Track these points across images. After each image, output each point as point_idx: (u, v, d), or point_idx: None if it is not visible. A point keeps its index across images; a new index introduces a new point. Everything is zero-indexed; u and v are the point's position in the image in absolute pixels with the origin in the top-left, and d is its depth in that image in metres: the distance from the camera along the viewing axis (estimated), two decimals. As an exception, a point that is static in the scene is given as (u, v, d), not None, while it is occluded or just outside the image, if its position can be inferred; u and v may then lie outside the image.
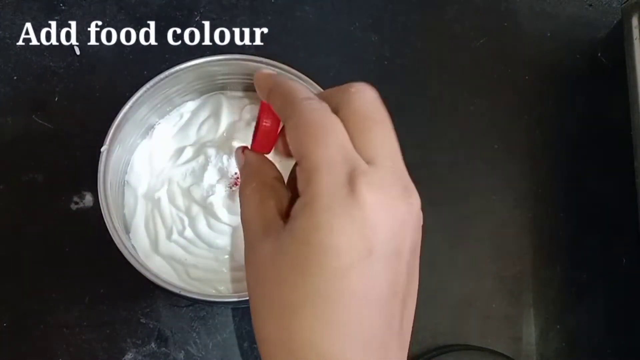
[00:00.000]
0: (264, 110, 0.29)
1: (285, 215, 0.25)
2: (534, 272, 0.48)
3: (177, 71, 0.39)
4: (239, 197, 0.27)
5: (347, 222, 0.21)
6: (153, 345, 0.43)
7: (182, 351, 0.43)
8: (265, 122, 0.29)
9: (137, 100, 0.38)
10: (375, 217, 0.22)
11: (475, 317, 0.46)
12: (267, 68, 0.39)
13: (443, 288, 0.47)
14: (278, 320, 0.22)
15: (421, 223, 0.24)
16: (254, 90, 0.43)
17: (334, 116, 0.24)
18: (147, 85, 0.38)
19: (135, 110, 0.39)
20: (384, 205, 0.22)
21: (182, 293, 0.35)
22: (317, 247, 0.21)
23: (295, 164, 0.24)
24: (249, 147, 0.30)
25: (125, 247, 0.36)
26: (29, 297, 0.43)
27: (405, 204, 0.23)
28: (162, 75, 0.38)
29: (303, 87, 0.26)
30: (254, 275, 0.24)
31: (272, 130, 0.29)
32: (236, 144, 0.40)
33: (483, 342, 0.46)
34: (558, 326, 0.47)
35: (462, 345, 0.45)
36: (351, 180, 0.22)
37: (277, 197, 0.26)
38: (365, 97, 0.25)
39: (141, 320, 0.43)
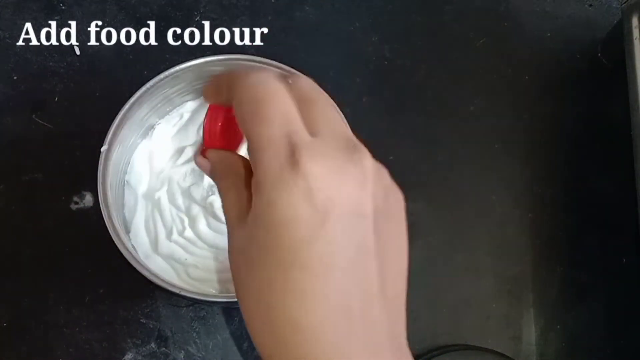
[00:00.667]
0: (210, 109, 0.30)
1: None
2: (534, 272, 0.48)
3: (177, 71, 0.39)
4: (218, 194, 0.28)
5: (295, 195, 0.22)
6: (153, 345, 0.43)
7: (182, 351, 0.43)
8: (210, 121, 0.30)
9: (137, 100, 0.38)
10: (322, 185, 0.22)
11: (475, 317, 0.46)
12: (262, 68, 0.39)
13: (443, 288, 0.47)
14: (256, 299, 0.23)
15: (384, 181, 0.25)
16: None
17: (278, 85, 0.24)
18: (147, 85, 0.38)
19: (135, 110, 0.39)
20: (330, 171, 0.22)
21: (182, 293, 0.35)
22: (273, 225, 0.22)
23: None
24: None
25: (125, 247, 0.36)
26: (29, 297, 0.43)
27: (354, 165, 0.23)
28: (162, 75, 0.38)
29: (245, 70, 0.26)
30: (232, 262, 0.25)
31: (216, 126, 0.30)
32: None
33: (483, 342, 0.46)
34: (558, 326, 0.47)
35: (462, 345, 0.45)
36: (292, 154, 0.22)
37: (248, 185, 0.26)
38: (307, 80, 0.26)
39: (141, 320, 0.43)
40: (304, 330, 0.22)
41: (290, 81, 0.25)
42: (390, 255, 0.25)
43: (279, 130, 0.23)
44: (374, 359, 0.22)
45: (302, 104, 0.24)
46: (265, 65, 0.39)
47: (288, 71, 0.39)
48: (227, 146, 0.30)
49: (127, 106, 0.38)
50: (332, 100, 0.26)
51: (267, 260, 0.22)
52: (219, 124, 0.30)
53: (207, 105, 0.43)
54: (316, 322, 0.22)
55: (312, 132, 0.24)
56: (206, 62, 0.39)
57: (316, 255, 0.22)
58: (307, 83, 0.26)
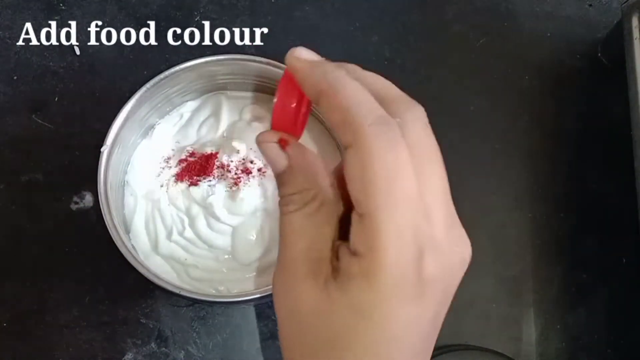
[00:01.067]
0: (288, 85, 0.25)
1: (339, 239, 0.23)
2: (534, 272, 0.48)
3: (177, 71, 0.39)
4: (281, 213, 0.23)
5: (413, 305, 0.21)
6: (153, 345, 0.43)
7: (182, 351, 0.43)
8: (291, 103, 0.24)
9: (137, 100, 0.38)
10: (434, 288, 0.21)
11: (475, 317, 0.46)
12: (264, 65, 0.37)
13: (443, 288, 0.46)
14: None
15: (466, 265, 0.24)
16: (255, 90, 0.44)
17: (404, 155, 0.21)
18: (147, 85, 0.38)
19: (135, 110, 0.39)
20: (445, 270, 0.22)
21: (182, 293, 0.35)
22: (376, 323, 0.20)
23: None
24: (275, 133, 0.25)
25: (125, 247, 0.36)
26: (29, 297, 0.43)
27: (460, 259, 0.23)
28: (162, 75, 0.39)
29: (365, 96, 0.22)
30: (289, 314, 0.22)
31: (299, 111, 0.25)
32: (236, 144, 0.40)
33: (483, 342, 0.46)
34: (558, 326, 0.47)
35: (462, 345, 0.45)
36: (420, 257, 0.21)
37: (332, 222, 0.23)
38: (423, 121, 0.23)
39: (141, 320, 0.43)
40: None
41: (414, 108, 0.23)
42: None
43: (409, 221, 0.20)
44: None
45: (419, 163, 0.21)
46: (265, 65, 0.39)
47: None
48: (294, 131, 0.25)
49: (127, 106, 0.38)
50: (440, 153, 0.23)
51: (344, 346, 0.21)
52: (293, 105, 0.25)
53: (207, 105, 0.43)
54: None
55: (427, 209, 0.21)
56: (206, 62, 0.39)
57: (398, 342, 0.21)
58: (423, 129, 0.23)
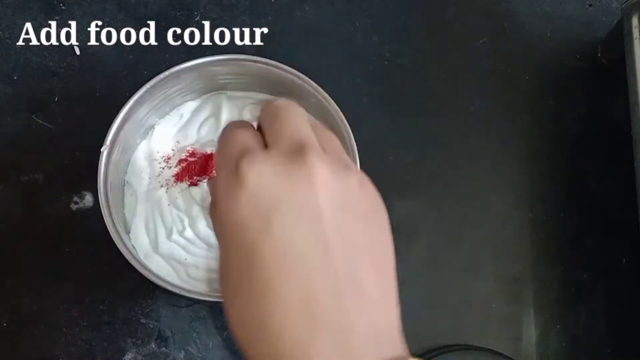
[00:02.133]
0: None
1: None
2: (534, 272, 0.48)
3: (177, 71, 0.39)
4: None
5: (237, 202, 0.24)
6: (153, 345, 0.43)
7: (182, 351, 0.43)
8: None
9: (137, 100, 0.38)
10: (262, 190, 0.24)
11: (475, 317, 0.46)
12: (264, 65, 0.40)
13: (443, 288, 0.47)
14: (231, 302, 0.25)
15: (347, 181, 0.25)
16: (254, 90, 0.44)
17: (243, 123, 0.29)
18: (147, 85, 0.38)
19: (135, 110, 0.39)
20: (271, 176, 0.24)
21: (182, 293, 0.35)
22: (226, 233, 0.25)
23: None
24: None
25: (126, 247, 0.36)
26: (29, 297, 0.43)
27: (298, 167, 0.24)
28: (162, 76, 0.38)
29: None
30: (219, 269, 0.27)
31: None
32: None
33: (483, 342, 0.46)
34: (558, 326, 0.47)
35: (462, 345, 0.45)
36: (235, 167, 0.25)
37: None
38: (278, 102, 0.29)
39: (141, 320, 0.43)
40: (268, 330, 0.22)
41: (262, 109, 0.29)
42: (365, 253, 0.24)
43: (233, 153, 0.26)
44: (342, 351, 0.22)
45: (266, 124, 0.27)
46: (264, 66, 0.39)
47: (288, 71, 0.39)
48: None
49: (127, 106, 0.38)
50: (302, 113, 0.28)
51: (230, 266, 0.24)
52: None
53: (207, 105, 0.43)
54: (276, 321, 0.22)
55: (267, 146, 0.26)
56: (206, 62, 0.39)
57: (267, 256, 0.23)
58: (274, 105, 0.28)
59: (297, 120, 0.27)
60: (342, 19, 0.51)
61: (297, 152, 0.25)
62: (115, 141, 0.38)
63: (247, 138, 0.27)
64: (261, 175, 0.24)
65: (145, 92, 0.38)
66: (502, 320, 0.46)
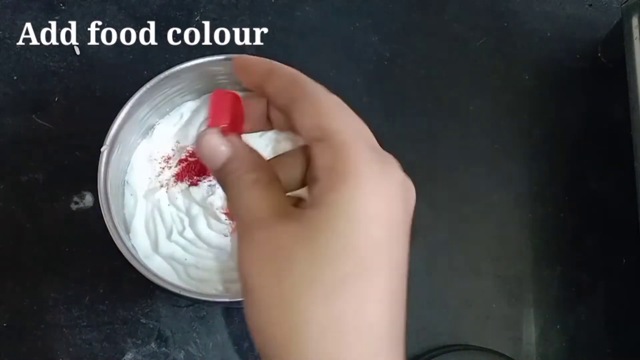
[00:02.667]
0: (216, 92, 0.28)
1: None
2: (534, 272, 0.48)
3: (177, 71, 0.39)
4: (230, 188, 0.24)
5: (384, 195, 0.22)
6: (153, 345, 0.43)
7: (182, 351, 0.43)
8: (218, 98, 0.27)
9: (137, 100, 0.38)
10: (398, 193, 0.23)
11: (475, 317, 0.46)
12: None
13: (443, 288, 0.47)
14: (320, 301, 0.20)
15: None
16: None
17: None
18: (147, 85, 0.38)
19: (135, 110, 0.39)
20: (402, 182, 0.24)
21: (182, 293, 0.35)
22: (363, 218, 0.21)
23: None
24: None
25: (126, 247, 0.36)
26: (29, 297, 0.43)
27: (408, 181, 0.24)
28: (162, 76, 0.38)
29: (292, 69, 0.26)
30: (253, 264, 0.22)
31: (226, 103, 0.27)
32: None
33: (483, 342, 0.46)
34: (558, 326, 0.47)
35: (462, 345, 0.45)
36: (380, 158, 0.23)
37: (279, 186, 0.24)
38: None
39: (141, 320, 0.43)
40: (373, 334, 0.21)
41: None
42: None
43: (364, 129, 0.24)
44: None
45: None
46: None
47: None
48: (232, 128, 0.26)
49: (127, 106, 0.38)
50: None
51: (341, 257, 0.21)
52: (228, 102, 0.27)
53: (207, 104, 0.43)
54: (383, 329, 0.22)
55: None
56: (206, 62, 0.39)
57: (391, 260, 0.22)
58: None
59: None
60: (342, 19, 0.51)
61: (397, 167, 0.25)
62: (115, 141, 0.38)
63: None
64: (399, 180, 0.24)
65: (145, 92, 0.38)
66: (502, 320, 0.46)
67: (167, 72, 0.38)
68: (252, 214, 0.23)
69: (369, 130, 0.25)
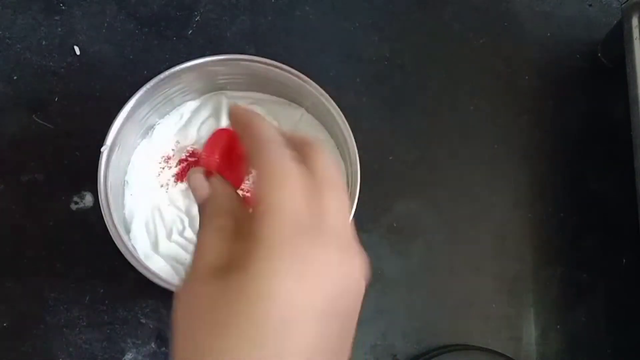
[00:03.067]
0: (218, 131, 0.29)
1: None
2: (534, 272, 0.48)
3: (177, 71, 0.39)
4: (200, 225, 0.26)
5: (291, 277, 0.21)
6: (153, 345, 0.43)
7: (182, 351, 0.43)
8: (215, 138, 0.29)
9: (137, 100, 0.38)
10: (317, 277, 0.21)
11: (475, 317, 0.46)
12: (265, 65, 0.39)
13: (443, 288, 0.47)
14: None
15: (363, 289, 0.24)
16: (254, 90, 0.44)
17: (294, 166, 0.24)
18: (147, 86, 0.38)
19: (136, 110, 0.39)
20: (327, 266, 0.22)
21: None
22: (258, 296, 0.21)
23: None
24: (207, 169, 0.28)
25: (126, 247, 0.36)
26: (29, 297, 0.43)
27: (347, 268, 0.23)
28: (162, 76, 0.39)
29: (273, 129, 0.26)
30: (187, 314, 0.23)
31: (219, 144, 0.28)
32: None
33: (483, 342, 0.46)
34: (558, 326, 0.47)
35: (462, 345, 0.45)
36: (299, 233, 0.22)
37: (243, 234, 0.24)
38: (328, 159, 0.26)
39: (141, 320, 0.43)
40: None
41: (319, 148, 0.26)
42: (343, 352, 0.24)
43: (292, 202, 0.23)
44: None
45: (319, 184, 0.24)
46: (264, 65, 0.39)
47: (288, 71, 0.39)
48: (224, 170, 0.28)
49: (127, 106, 0.38)
50: (344, 186, 0.26)
51: (231, 330, 0.21)
52: (223, 144, 0.28)
53: (207, 105, 0.43)
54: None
55: (319, 218, 0.23)
56: (206, 62, 0.39)
57: (289, 345, 0.21)
58: (327, 164, 0.25)
59: (343, 201, 0.25)
60: (342, 19, 0.51)
61: (349, 252, 0.23)
62: (115, 141, 0.38)
63: (301, 193, 0.23)
64: (320, 263, 0.22)
65: (146, 92, 0.38)
66: (502, 320, 0.46)
67: (167, 72, 0.39)
68: (202, 260, 0.24)
69: (311, 207, 0.23)
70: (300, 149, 0.25)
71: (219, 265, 0.23)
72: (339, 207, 0.24)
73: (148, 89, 0.38)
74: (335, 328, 0.22)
